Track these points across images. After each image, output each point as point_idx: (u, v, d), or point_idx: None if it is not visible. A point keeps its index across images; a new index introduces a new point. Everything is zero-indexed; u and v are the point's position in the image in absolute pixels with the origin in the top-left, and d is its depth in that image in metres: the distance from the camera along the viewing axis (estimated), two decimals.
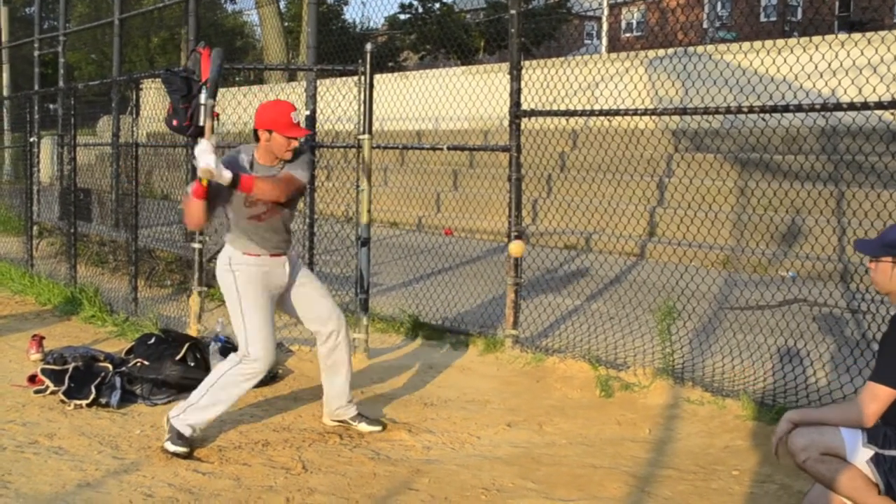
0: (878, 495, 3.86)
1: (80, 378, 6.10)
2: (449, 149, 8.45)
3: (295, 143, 5.21)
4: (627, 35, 40.40)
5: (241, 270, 5.29)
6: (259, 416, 5.92)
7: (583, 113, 7.25)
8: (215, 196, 5.16)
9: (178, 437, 5.17)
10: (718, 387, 6.15)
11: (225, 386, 5.25)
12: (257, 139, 5.23)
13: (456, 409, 6.15)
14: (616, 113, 6.98)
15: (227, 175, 4.98)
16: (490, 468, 5.03)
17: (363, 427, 5.64)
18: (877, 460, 3.85)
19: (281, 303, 5.53)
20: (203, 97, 7.02)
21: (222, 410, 5.31)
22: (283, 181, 5.19)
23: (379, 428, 5.65)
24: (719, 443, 5.39)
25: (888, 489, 3.84)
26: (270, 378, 6.67)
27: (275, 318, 5.39)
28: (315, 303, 5.55)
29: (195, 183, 5.07)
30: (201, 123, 5.33)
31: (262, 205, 5.24)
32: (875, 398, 3.85)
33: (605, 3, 20.40)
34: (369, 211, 7.45)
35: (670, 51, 14.56)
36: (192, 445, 5.21)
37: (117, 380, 6.17)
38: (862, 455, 3.87)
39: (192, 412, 5.24)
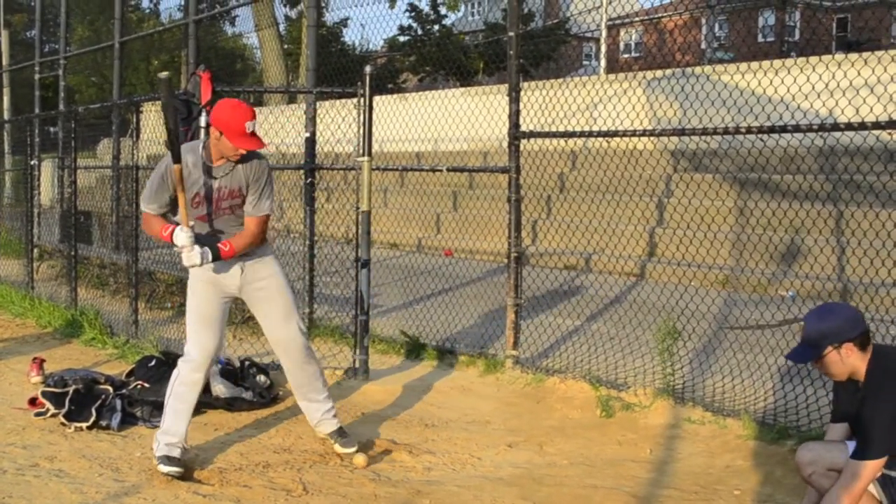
0: None
1: (80, 401, 6.11)
2: (448, 170, 8.47)
3: (242, 151, 5.10)
4: (626, 56, 40.53)
5: (192, 270, 5.28)
6: (259, 437, 5.92)
7: (581, 134, 7.28)
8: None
9: (167, 459, 5.18)
10: (719, 406, 6.15)
11: (177, 397, 5.30)
12: (208, 133, 5.18)
13: (457, 429, 6.15)
14: (615, 134, 7.01)
15: (210, 259, 5.11)
16: (491, 489, 5.03)
17: (339, 448, 5.56)
18: (883, 481, 3.86)
19: (251, 309, 5.57)
20: (203, 120, 7.08)
21: (189, 416, 5.32)
22: (258, 226, 5.27)
23: (353, 449, 5.52)
24: (720, 462, 5.39)
25: None
26: (271, 399, 6.68)
27: (221, 318, 5.38)
28: (272, 322, 5.49)
29: (168, 235, 5.14)
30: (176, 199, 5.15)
31: (203, 207, 5.21)
32: (869, 477, 3.80)
33: (603, 25, 20.44)
34: (369, 233, 7.47)
35: (668, 71, 14.62)
36: (186, 465, 5.21)
37: (118, 402, 6.18)
38: None
39: (163, 433, 5.28)
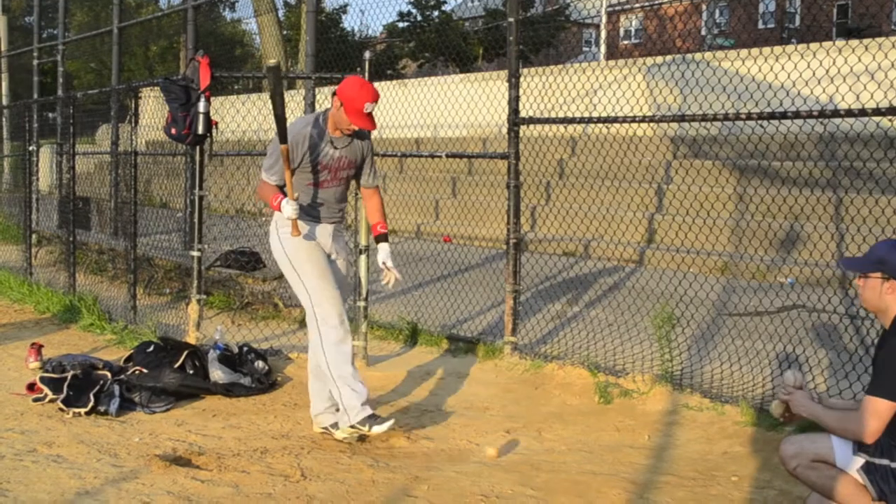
0: (871, 501, 3.87)
1: (78, 386, 6.10)
2: (447, 156, 8.46)
3: (354, 128, 5.43)
4: (626, 42, 40.47)
5: (287, 237, 5.49)
6: (258, 423, 5.92)
7: (581, 120, 7.26)
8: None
9: (373, 418, 5.37)
10: (717, 393, 6.15)
11: (336, 365, 5.41)
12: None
13: (455, 415, 6.15)
14: (614, 120, 6.99)
15: (386, 253, 5.67)
16: (489, 475, 5.03)
17: (339, 434, 5.59)
18: (868, 468, 3.86)
19: None
20: (202, 106, 7.06)
21: (355, 379, 5.44)
22: (380, 195, 5.84)
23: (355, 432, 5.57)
24: (718, 449, 5.39)
25: (881, 496, 3.85)
26: (269, 385, 6.68)
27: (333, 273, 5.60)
28: None
29: (275, 203, 5.40)
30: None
31: (325, 174, 5.50)
32: (877, 414, 3.80)
33: (603, 11, 20.43)
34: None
35: (668, 58, 14.58)
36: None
37: (116, 388, 6.18)
38: (853, 463, 3.88)
39: (348, 401, 5.39)
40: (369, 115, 5.37)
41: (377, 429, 5.33)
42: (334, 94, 5.38)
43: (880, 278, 3.94)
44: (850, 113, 5.65)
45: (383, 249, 5.69)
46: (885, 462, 3.84)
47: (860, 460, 3.87)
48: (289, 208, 5.33)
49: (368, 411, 5.39)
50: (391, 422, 5.37)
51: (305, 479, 4.94)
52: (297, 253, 5.50)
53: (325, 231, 5.61)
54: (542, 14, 34.93)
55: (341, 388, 5.41)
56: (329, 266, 5.58)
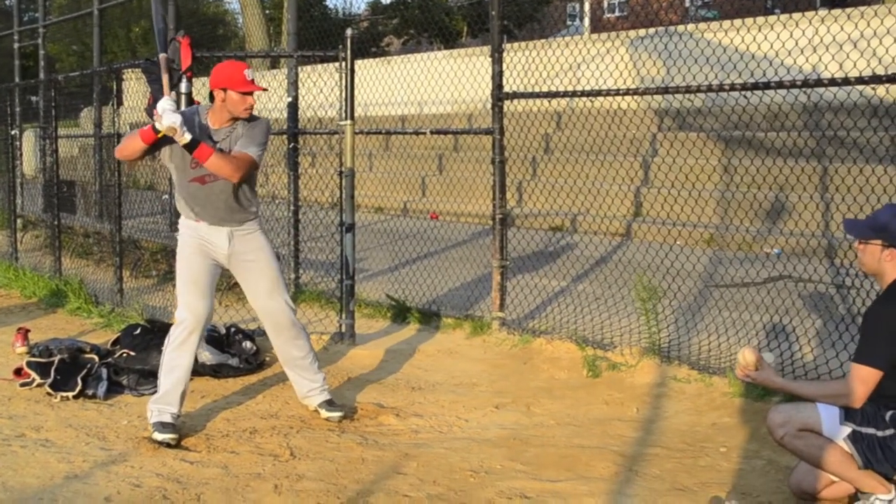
0: (858, 469, 3.90)
1: (66, 370, 6.09)
2: (432, 133, 8.43)
3: (251, 101, 5.21)
4: (610, 15, 40.32)
5: (182, 234, 5.42)
6: (246, 403, 5.92)
7: (565, 94, 7.24)
8: (160, 145, 5.16)
9: (161, 425, 5.19)
10: (705, 364, 6.17)
11: (168, 371, 5.29)
12: (212, 100, 5.25)
13: (444, 392, 6.15)
14: (599, 93, 6.98)
15: (187, 137, 5.00)
16: (478, 450, 5.04)
17: (324, 413, 5.59)
18: (854, 437, 3.89)
19: (238, 280, 5.60)
20: (184, 87, 7.03)
21: (184, 382, 5.30)
22: (240, 161, 5.16)
23: (338, 415, 5.56)
24: (706, 420, 5.41)
25: (867, 464, 3.88)
26: (258, 366, 6.68)
27: (211, 281, 5.38)
28: (258, 296, 5.51)
29: (149, 128, 5.05)
30: (164, 83, 5.39)
31: (202, 168, 5.22)
32: (862, 380, 3.86)
33: None
34: (353, 196, 7.43)
35: (652, 30, 14.54)
36: (179, 432, 5.21)
37: (103, 371, 6.16)
38: (840, 431, 3.90)
39: (155, 402, 5.29)
40: (253, 80, 5.21)
41: (158, 436, 5.11)
42: (210, 94, 5.20)
43: (880, 245, 3.97)
44: (833, 82, 5.66)
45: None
46: (871, 431, 3.87)
47: (847, 429, 3.90)
48: (164, 102, 4.99)
49: (160, 419, 5.20)
50: (172, 437, 5.12)
51: (295, 458, 4.95)
52: (180, 251, 5.41)
53: (218, 234, 5.36)
54: None
55: (160, 383, 5.31)
56: (209, 272, 5.36)
